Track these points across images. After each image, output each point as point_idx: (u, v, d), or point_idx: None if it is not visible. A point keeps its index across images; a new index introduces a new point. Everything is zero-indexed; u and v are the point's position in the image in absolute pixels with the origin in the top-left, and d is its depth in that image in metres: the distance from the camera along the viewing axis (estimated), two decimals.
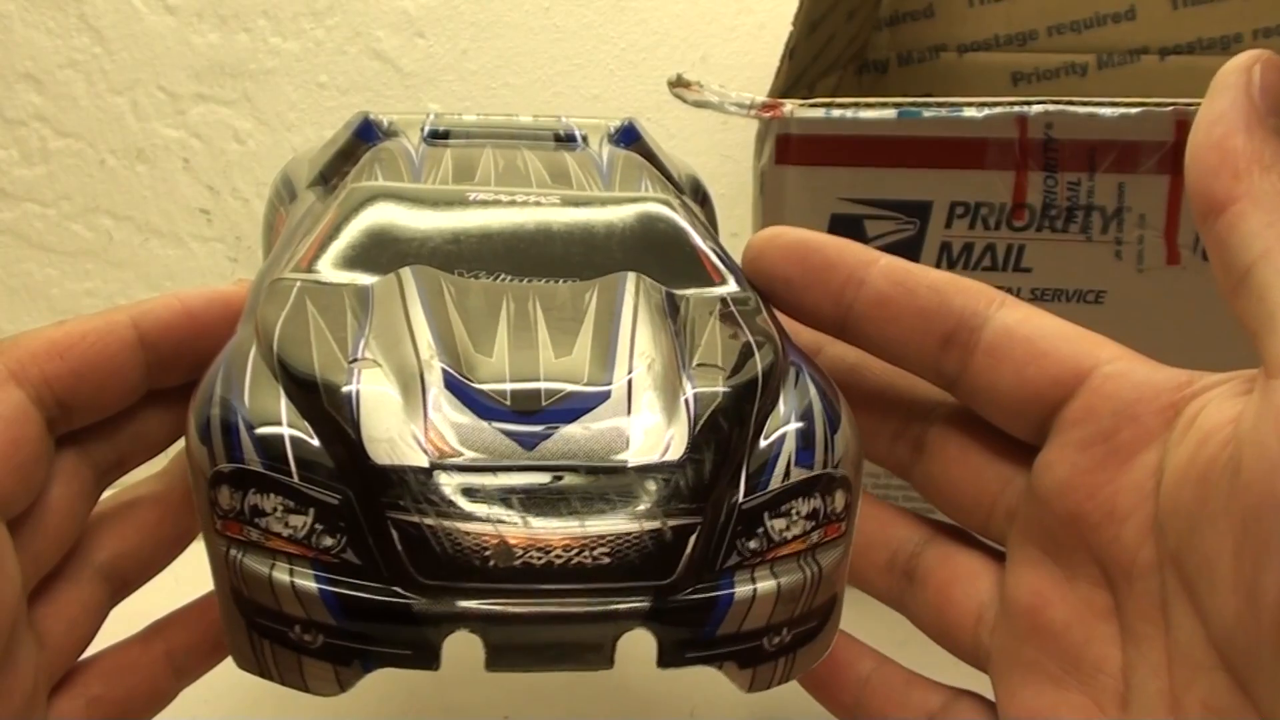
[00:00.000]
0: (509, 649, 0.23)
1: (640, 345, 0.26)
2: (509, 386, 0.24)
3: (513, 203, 0.31)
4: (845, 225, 0.43)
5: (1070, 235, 0.42)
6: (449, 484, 0.23)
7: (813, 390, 0.27)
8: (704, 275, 0.30)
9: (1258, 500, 0.22)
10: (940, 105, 0.40)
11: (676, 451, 0.24)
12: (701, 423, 0.24)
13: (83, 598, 0.30)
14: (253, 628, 0.24)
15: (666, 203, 0.31)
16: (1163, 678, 0.25)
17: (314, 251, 0.29)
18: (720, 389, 0.25)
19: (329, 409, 0.24)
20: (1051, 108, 0.40)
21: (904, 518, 0.32)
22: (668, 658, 0.24)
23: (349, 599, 0.23)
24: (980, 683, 0.31)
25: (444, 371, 0.24)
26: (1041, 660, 0.28)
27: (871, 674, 0.32)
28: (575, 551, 0.23)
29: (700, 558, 0.24)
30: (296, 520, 0.23)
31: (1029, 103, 0.40)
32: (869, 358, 0.31)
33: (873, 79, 0.66)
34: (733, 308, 0.29)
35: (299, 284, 0.28)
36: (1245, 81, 0.25)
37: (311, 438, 0.24)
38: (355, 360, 0.25)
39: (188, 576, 0.32)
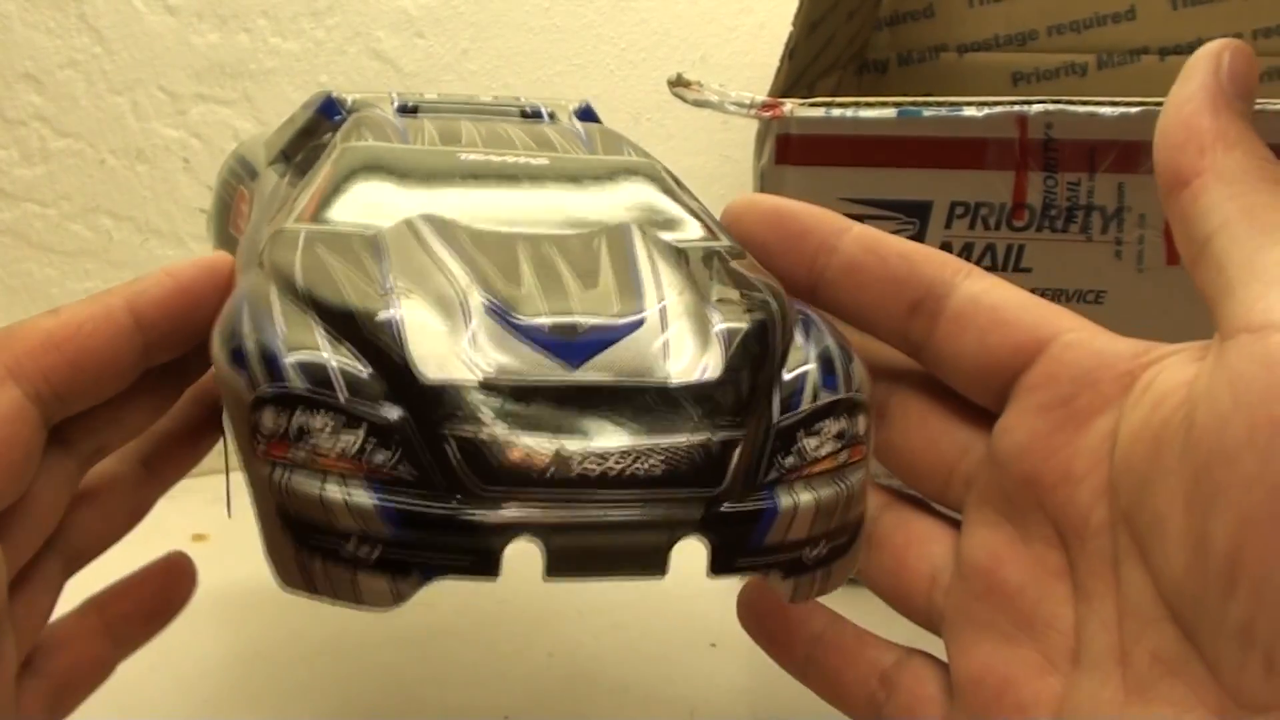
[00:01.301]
0: (568, 556, 0.24)
1: (665, 279, 0.27)
2: (546, 319, 0.25)
3: (504, 163, 0.31)
4: None
5: (1070, 235, 0.42)
6: (503, 399, 0.23)
7: (824, 327, 0.29)
8: (697, 230, 0.31)
9: (1208, 453, 0.23)
10: (940, 105, 0.40)
11: (714, 373, 0.25)
12: (734, 347, 0.26)
13: (45, 578, 0.30)
14: (302, 545, 0.24)
15: (653, 164, 0.33)
16: (1113, 632, 0.26)
17: (315, 206, 0.29)
18: (745, 321, 0.26)
19: (370, 334, 0.24)
20: (1051, 107, 0.40)
21: None
22: (719, 564, 0.25)
23: (408, 510, 0.23)
24: (932, 645, 0.31)
25: (484, 299, 0.25)
26: (995, 619, 0.29)
27: (824, 631, 0.32)
28: (630, 461, 0.24)
29: (745, 471, 0.25)
30: (347, 438, 0.23)
31: (1029, 102, 0.40)
32: (836, 323, 0.32)
33: (873, 79, 0.66)
34: (730, 259, 0.30)
35: (304, 231, 0.28)
36: (1215, 66, 0.27)
37: (356, 361, 0.24)
38: (389, 290, 0.25)
39: (119, 549, 0.33)
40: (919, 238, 0.44)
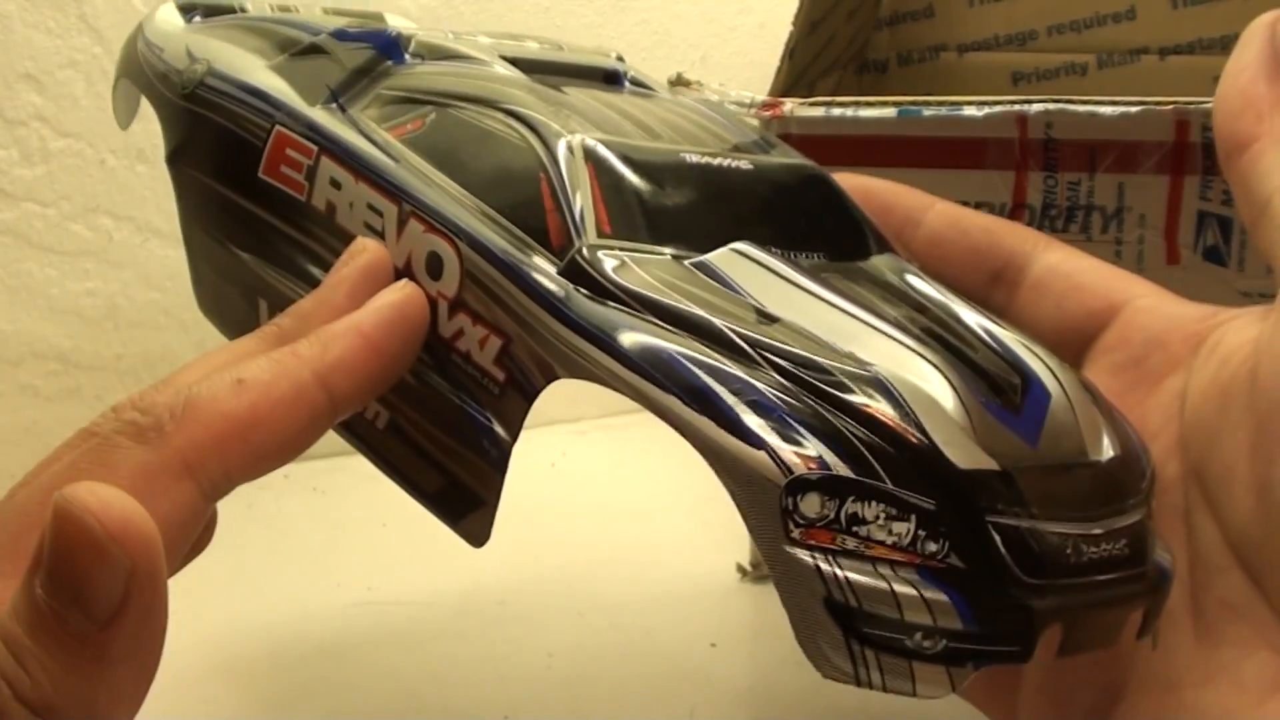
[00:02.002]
0: (1079, 636, 0.24)
1: (1015, 335, 0.27)
2: (987, 381, 0.25)
3: (726, 167, 0.30)
4: None
5: (1070, 235, 0.42)
6: (1024, 486, 0.24)
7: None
8: (882, 240, 0.31)
9: (1271, 403, 0.25)
10: (940, 104, 0.40)
11: (1113, 447, 0.26)
12: (1114, 415, 0.27)
13: None
14: (854, 636, 0.23)
15: (819, 168, 0.33)
16: (1184, 582, 0.27)
17: (604, 217, 0.28)
18: (1077, 376, 0.27)
19: (881, 412, 0.24)
20: (1052, 106, 0.40)
21: None
22: (1146, 628, 0.26)
23: (980, 603, 0.23)
24: None
25: (942, 365, 0.25)
26: None
27: None
28: (1110, 543, 0.24)
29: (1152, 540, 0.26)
30: (900, 527, 0.23)
31: (1029, 101, 0.40)
32: None
33: (873, 79, 0.66)
34: (936, 282, 0.30)
35: (665, 264, 0.27)
36: (1269, 35, 0.28)
37: (880, 440, 0.23)
38: (863, 364, 0.25)
39: None
40: None
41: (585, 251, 0.27)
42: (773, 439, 0.23)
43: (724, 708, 0.43)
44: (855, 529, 0.23)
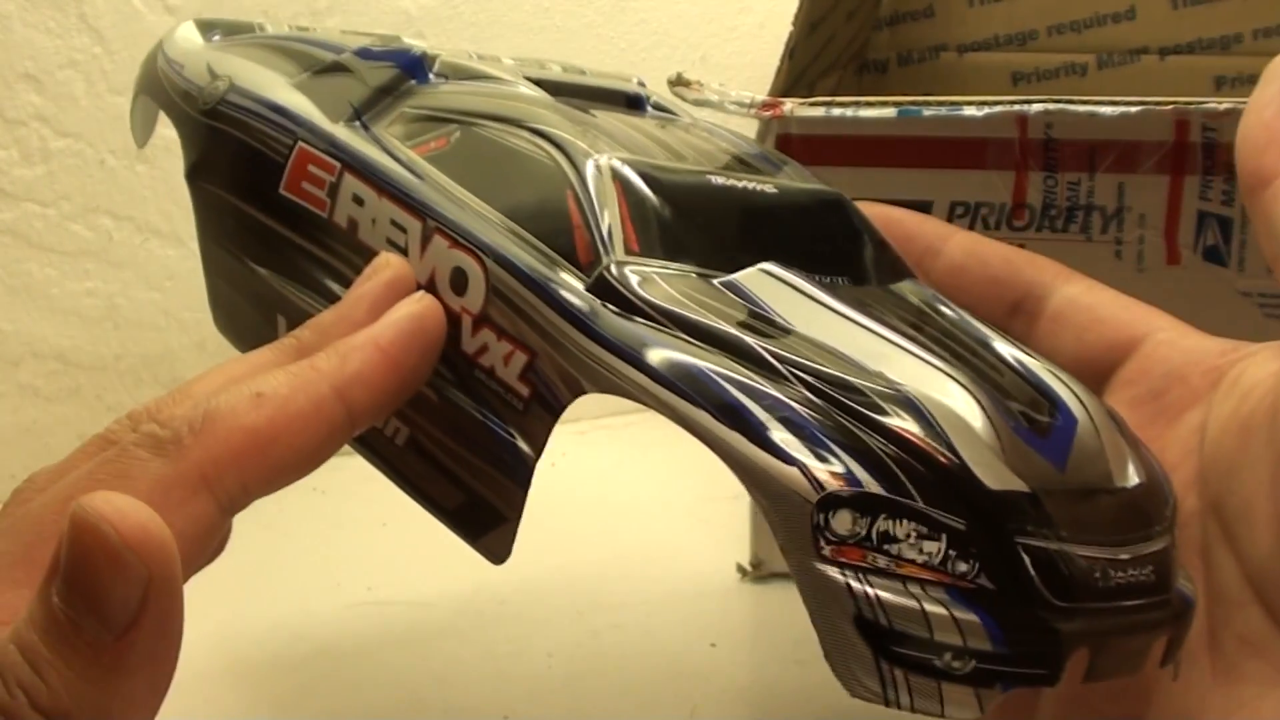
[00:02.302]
0: (1106, 662, 0.24)
1: (1041, 362, 0.27)
2: (1014, 405, 0.25)
3: (752, 190, 0.30)
4: None
5: (1070, 235, 0.42)
6: (1054, 509, 0.24)
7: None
8: (904, 267, 0.31)
9: None
10: (940, 104, 0.40)
11: (1138, 474, 0.26)
12: (1138, 443, 0.27)
13: None
14: (883, 656, 0.23)
15: (837, 191, 0.32)
16: (1202, 617, 0.26)
17: (632, 235, 0.28)
18: (1101, 403, 0.27)
19: (911, 431, 0.24)
20: (1051, 107, 0.40)
21: None
22: (1169, 657, 0.26)
23: (1010, 624, 0.23)
24: None
25: (977, 388, 0.25)
26: None
27: None
28: (1137, 570, 0.24)
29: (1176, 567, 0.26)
30: (931, 546, 0.23)
31: (1029, 101, 0.40)
32: None
33: (873, 79, 0.66)
34: (957, 308, 0.30)
35: (689, 280, 0.27)
36: None
37: (911, 459, 0.23)
38: (892, 383, 0.25)
39: None
40: None
41: (613, 268, 0.27)
42: (804, 456, 0.23)
43: (724, 708, 0.43)
44: (886, 547, 0.23)
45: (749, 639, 0.48)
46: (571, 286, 0.27)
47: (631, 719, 0.42)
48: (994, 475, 0.23)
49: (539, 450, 0.28)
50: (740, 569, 0.51)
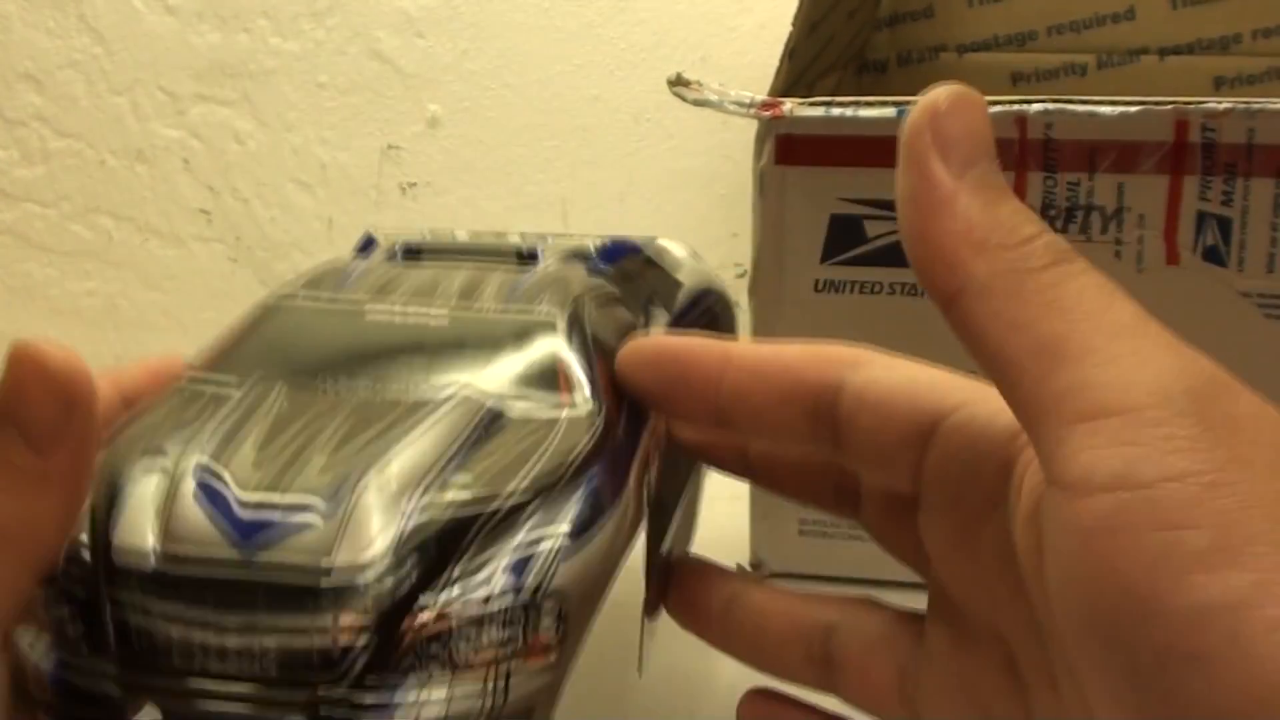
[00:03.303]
0: None
1: (395, 465, 0.26)
2: (253, 495, 0.25)
3: (404, 318, 0.32)
4: (845, 225, 0.43)
5: (1070, 235, 0.42)
6: (159, 583, 0.24)
7: (574, 510, 0.27)
8: (554, 395, 0.30)
9: (1063, 618, 0.21)
10: None
11: (367, 575, 0.24)
12: (403, 543, 0.25)
13: None
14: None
15: (546, 320, 0.32)
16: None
17: (213, 352, 0.32)
18: (444, 515, 0.25)
19: (99, 501, 0.26)
20: (1051, 106, 0.40)
21: (809, 603, 0.31)
22: None
23: (71, 683, 0.25)
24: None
25: (203, 470, 0.26)
26: (960, 709, 0.28)
27: (739, 592, 0.31)
28: (248, 656, 0.24)
29: (372, 663, 0.25)
30: (59, 610, 0.25)
31: (1028, 101, 0.40)
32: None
33: (873, 79, 0.66)
34: (550, 432, 0.28)
35: (183, 383, 0.30)
36: (926, 147, 0.24)
37: (91, 529, 0.25)
38: (147, 453, 0.27)
39: None
40: None
41: (183, 379, 0.31)
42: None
43: (724, 708, 0.43)
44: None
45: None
46: None
47: (632, 719, 0.42)
48: (126, 542, 0.25)
49: None
50: (740, 569, 0.51)
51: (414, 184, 0.64)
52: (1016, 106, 0.40)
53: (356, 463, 0.26)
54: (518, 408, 0.29)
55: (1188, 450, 0.20)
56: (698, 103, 0.41)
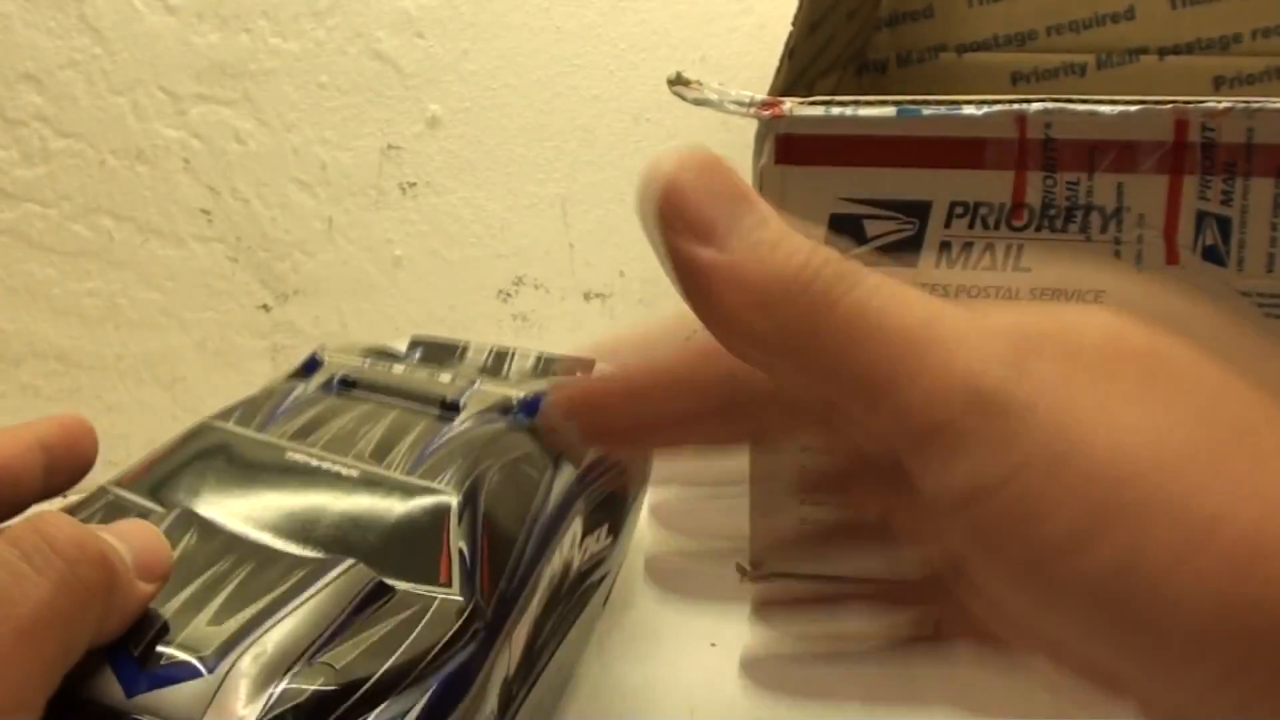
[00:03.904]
0: None
1: (274, 634, 0.28)
2: (144, 642, 0.28)
3: (317, 469, 0.35)
4: (845, 225, 0.43)
5: (1070, 235, 0.42)
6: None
7: (418, 712, 0.29)
8: (434, 576, 0.33)
9: None
10: (939, 103, 0.40)
11: None
12: (265, 715, 0.27)
13: None
14: None
15: (443, 500, 0.34)
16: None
17: (141, 469, 0.35)
18: (307, 699, 0.28)
19: None
20: (1051, 105, 0.40)
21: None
22: None
23: None
24: None
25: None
26: None
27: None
28: None
29: None
30: None
31: (1028, 101, 0.40)
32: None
33: (872, 79, 0.66)
34: (421, 616, 0.31)
35: (110, 497, 0.33)
36: (673, 235, 0.22)
37: None
38: None
39: None
40: (918, 237, 0.44)
41: (111, 493, 0.34)
42: None
43: (724, 708, 0.43)
44: None
45: (749, 639, 0.48)
46: None
47: (631, 719, 0.42)
48: None
49: None
50: (740, 569, 0.51)
51: (414, 184, 0.65)
52: (1016, 106, 0.40)
53: (244, 628, 0.28)
54: (400, 585, 0.32)
55: (1012, 441, 0.20)
56: (698, 102, 0.42)
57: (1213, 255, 0.42)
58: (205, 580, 0.30)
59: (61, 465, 0.31)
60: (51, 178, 0.60)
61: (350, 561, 0.31)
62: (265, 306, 0.64)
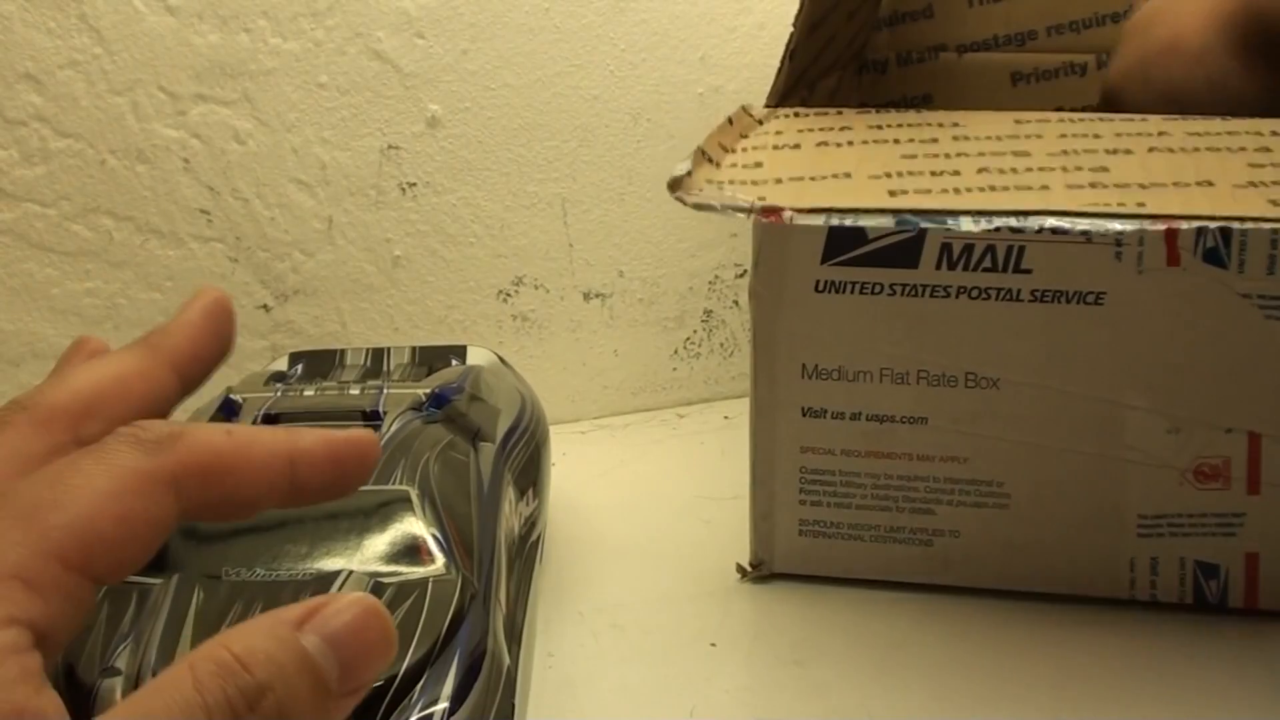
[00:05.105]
0: None
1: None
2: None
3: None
4: (846, 229, 0.43)
5: (1070, 235, 0.42)
6: None
7: (451, 686, 0.32)
8: (419, 563, 0.36)
9: None
10: (938, 214, 0.38)
11: None
12: None
13: None
14: None
15: (401, 498, 0.37)
16: None
17: None
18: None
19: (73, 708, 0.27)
20: (1050, 222, 0.37)
21: None
22: None
23: None
24: None
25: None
26: None
27: None
28: None
29: None
30: None
31: (1025, 214, 0.37)
32: None
33: (872, 79, 0.66)
34: (423, 598, 0.34)
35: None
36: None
37: None
38: (105, 669, 0.30)
39: None
40: (919, 238, 0.44)
41: None
42: None
43: (724, 708, 0.43)
44: None
45: (749, 639, 0.48)
46: None
47: (631, 719, 0.42)
48: None
49: None
50: (740, 569, 0.51)
51: (414, 184, 0.64)
52: (1015, 221, 0.36)
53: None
54: (393, 580, 0.34)
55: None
56: (698, 206, 0.40)
57: (1213, 257, 0.42)
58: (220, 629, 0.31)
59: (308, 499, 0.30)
60: (51, 178, 0.60)
61: (346, 570, 0.34)
62: (265, 306, 0.64)
